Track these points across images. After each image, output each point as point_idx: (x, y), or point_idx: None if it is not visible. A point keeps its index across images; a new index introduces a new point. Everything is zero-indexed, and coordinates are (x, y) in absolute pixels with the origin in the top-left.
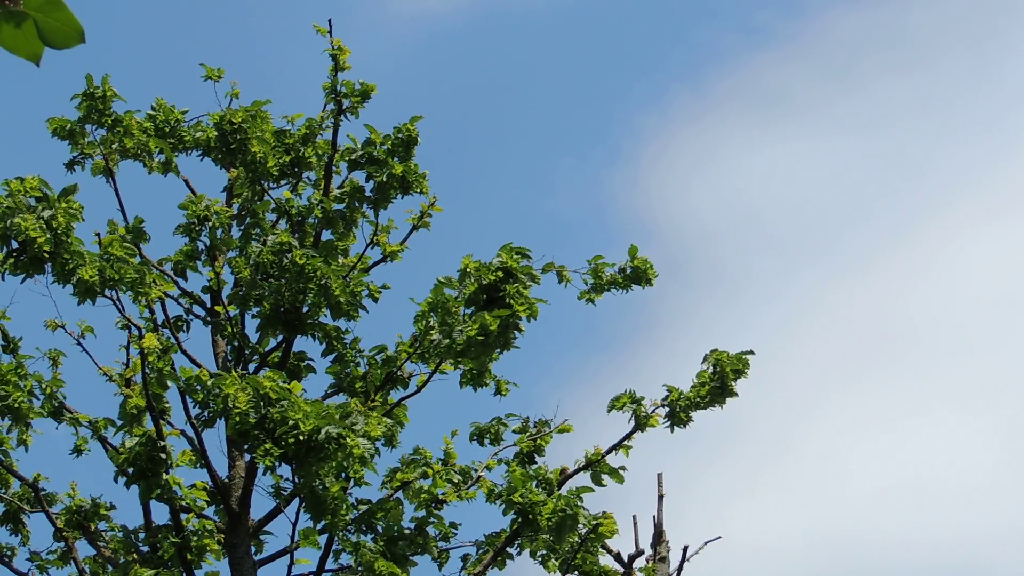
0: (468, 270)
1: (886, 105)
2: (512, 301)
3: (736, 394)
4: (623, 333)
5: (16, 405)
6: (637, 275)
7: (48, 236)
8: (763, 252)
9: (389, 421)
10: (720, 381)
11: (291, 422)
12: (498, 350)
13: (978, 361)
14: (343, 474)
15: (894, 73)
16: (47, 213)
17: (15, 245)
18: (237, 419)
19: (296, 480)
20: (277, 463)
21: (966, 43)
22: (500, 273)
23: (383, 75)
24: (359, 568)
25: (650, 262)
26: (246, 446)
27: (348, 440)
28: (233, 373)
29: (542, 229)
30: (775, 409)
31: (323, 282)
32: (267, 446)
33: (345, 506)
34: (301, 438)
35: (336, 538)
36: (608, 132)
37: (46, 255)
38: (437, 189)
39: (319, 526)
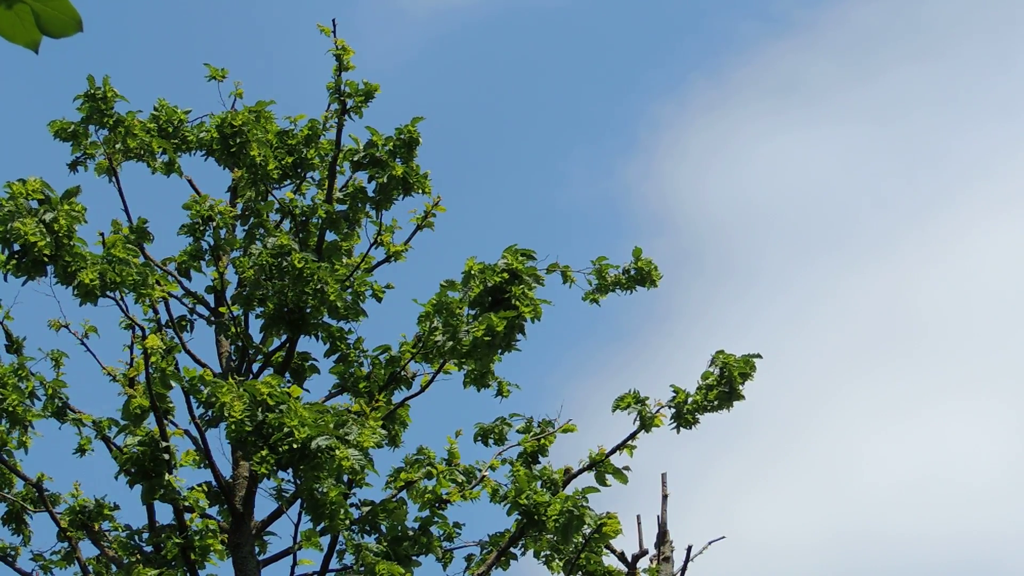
0: (473, 272)
1: (902, 94)
2: (518, 303)
3: (743, 397)
4: (633, 324)
5: (11, 409)
6: (641, 276)
7: (49, 240)
8: (776, 242)
9: (384, 432)
10: (728, 385)
11: (286, 429)
12: (500, 351)
13: (993, 353)
14: (344, 477)
15: (910, 62)
16: (49, 216)
17: (16, 248)
18: (233, 427)
19: (296, 483)
20: (274, 469)
21: (983, 32)
22: (505, 275)
23: (395, 69)
24: (361, 570)
25: (654, 263)
26: (243, 451)
27: (338, 452)
28: (230, 380)
29: (555, 219)
30: (784, 403)
31: (319, 287)
32: (263, 453)
33: (344, 511)
34: (295, 446)
35: (341, 537)
36: (624, 121)
37: (47, 258)
38: (449, 181)
39: (319, 527)
